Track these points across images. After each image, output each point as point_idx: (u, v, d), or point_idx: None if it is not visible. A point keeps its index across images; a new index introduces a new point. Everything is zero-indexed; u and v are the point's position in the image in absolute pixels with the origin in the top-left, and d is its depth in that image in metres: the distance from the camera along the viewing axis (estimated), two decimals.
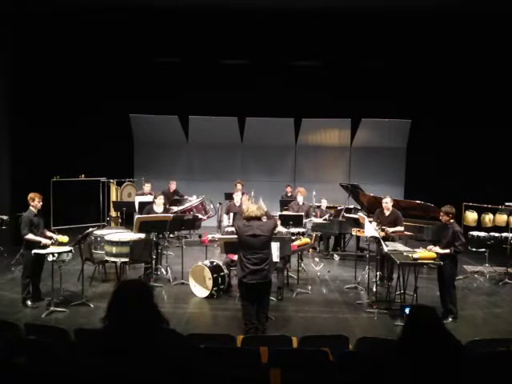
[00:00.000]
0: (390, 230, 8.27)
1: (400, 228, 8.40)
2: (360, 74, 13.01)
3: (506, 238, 9.35)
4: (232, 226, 9.07)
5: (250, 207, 6.37)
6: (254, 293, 6.25)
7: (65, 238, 7.36)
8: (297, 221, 9.24)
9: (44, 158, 11.84)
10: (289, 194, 12.29)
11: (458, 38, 11.57)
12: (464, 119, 12.47)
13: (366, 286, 8.24)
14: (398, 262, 6.87)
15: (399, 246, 7.61)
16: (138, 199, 10.98)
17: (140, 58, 12.67)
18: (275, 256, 7.01)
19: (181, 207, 10.90)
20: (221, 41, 12.14)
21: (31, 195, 7.25)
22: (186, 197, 11.88)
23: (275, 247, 6.86)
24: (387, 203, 8.46)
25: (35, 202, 7.21)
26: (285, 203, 11.45)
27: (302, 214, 9.80)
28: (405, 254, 6.99)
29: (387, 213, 8.48)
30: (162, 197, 9.31)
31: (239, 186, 11.12)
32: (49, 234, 7.44)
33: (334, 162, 14.78)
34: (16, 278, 8.36)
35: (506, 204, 9.77)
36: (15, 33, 11.18)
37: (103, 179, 12.76)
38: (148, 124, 14.07)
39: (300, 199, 10.45)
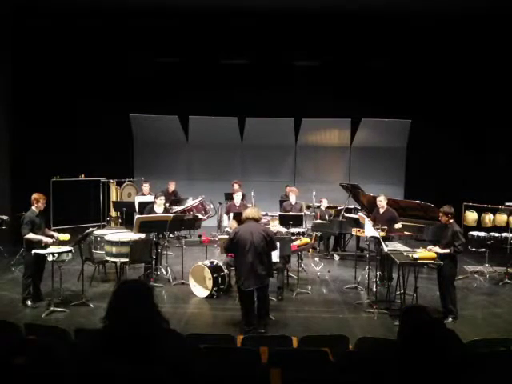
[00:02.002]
0: (398, 226, 8.32)
1: (399, 225, 8.43)
2: (360, 74, 13.01)
3: (506, 237, 9.35)
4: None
5: (249, 210, 6.54)
6: (253, 296, 6.33)
7: (66, 236, 7.35)
8: (297, 221, 9.24)
9: (44, 158, 11.84)
10: (287, 195, 12.27)
11: (457, 39, 11.59)
12: (464, 119, 12.47)
13: (366, 286, 8.24)
14: (398, 261, 6.88)
15: (399, 246, 7.61)
16: (138, 199, 10.98)
17: (140, 58, 12.68)
18: (275, 256, 7.03)
19: (181, 207, 10.90)
20: (221, 41, 12.14)
21: (36, 196, 7.21)
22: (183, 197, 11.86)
23: None
24: (381, 201, 8.60)
25: (39, 203, 7.19)
26: (283, 203, 11.43)
27: (302, 214, 9.81)
28: (405, 254, 7.00)
29: (382, 211, 8.61)
30: (163, 197, 9.31)
31: (236, 187, 11.17)
32: (50, 232, 7.44)
33: (333, 162, 14.78)
34: (16, 278, 8.35)
35: (506, 204, 9.77)
36: (15, 33, 11.18)
37: (103, 179, 12.75)
38: (148, 124, 14.07)
39: (292, 199, 10.44)
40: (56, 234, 7.35)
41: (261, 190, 12.28)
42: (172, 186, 11.95)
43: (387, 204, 8.75)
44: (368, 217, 8.71)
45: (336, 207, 11.62)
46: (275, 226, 8.30)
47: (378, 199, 8.69)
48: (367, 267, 8.29)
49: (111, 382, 2.39)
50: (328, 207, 11.51)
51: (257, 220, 6.36)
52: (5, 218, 10.00)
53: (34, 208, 7.18)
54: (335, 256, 10.86)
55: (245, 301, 6.33)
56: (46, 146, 11.85)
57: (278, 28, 11.86)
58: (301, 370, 3.71)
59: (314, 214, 11.09)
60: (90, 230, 8.00)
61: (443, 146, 12.94)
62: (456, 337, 2.95)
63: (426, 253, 6.90)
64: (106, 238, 8.02)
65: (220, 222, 11.85)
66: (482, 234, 9.58)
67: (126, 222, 10.64)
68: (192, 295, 7.92)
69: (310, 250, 10.51)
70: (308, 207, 11.59)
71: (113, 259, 7.89)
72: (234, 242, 6.21)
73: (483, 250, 9.44)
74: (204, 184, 13.63)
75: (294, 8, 11.45)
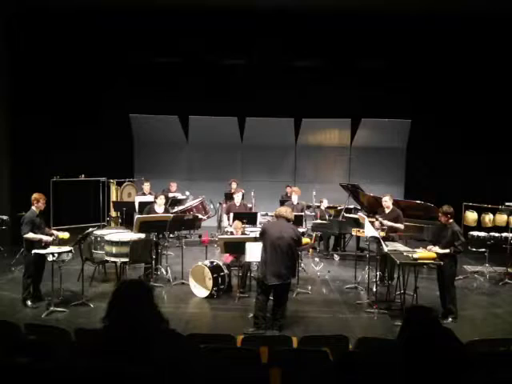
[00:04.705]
0: (386, 222, 8.25)
1: (400, 226, 8.40)
2: (360, 74, 13.00)
3: (506, 237, 9.35)
4: (231, 226, 9.11)
5: (283, 208, 6.73)
6: (269, 293, 6.48)
7: (66, 235, 7.36)
8: (297, 221, 9.22)
9: (44, 158, 11.83)
10: (289, 195, 12.28)
11: (457, 38, 11.59)
12: (464, 119, 12.46)
13: (366, 286, 8.24)
14: (397, 261, 6.88)
15: (399, 246, 7.61)
16: (138, 199, 10.98)
17: (140, 58, 12.67)
18: None
19: (181, 207, 10.91)
20: (221, 41, 12.14)
21: (36, 196, 7.21)
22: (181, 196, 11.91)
23: None
24: (386, 201, 8.56)
25: (40, 203, 7.19)
26: (284, 203, 11.45)
27: (302, 214, 9.81)
28: (405, 254, 6.99)
29: (387, 211, 8.58)
30: (162, 196, 9.29)
31: (234, 185, 11.23)
32: (50, 231, 7.44)
33: (333, 162, 14.78)
34: (16, 278, 8.35)
35: (506, 204, 9.77)
36: (15, 33, 11.18)
37: (103, 179, 12.75)
38: (148, 124, 14.06)
39: (295, 199, 10.45)
40: (56, 233, 7.36)
41: (261, 189, 12.27)
42: (173, 188, 11.96)
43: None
44: (368, 217, 8.71)
45: (336, 207, 11.62)
46: None
47: (383, 200, 8.65)
48: (367, 267, 8.29)
49: (111, 381, 2.39)
50: (328, 207, 11.52)
51: (288, 220, 6.48)
52: (5, 218, 10.00)
53: (34, 208, 7.18)
54: (335, 256, 10.86)
55: (263, 294, 6.44)
56: (46, 146, 11.84)
57: (277, 28, 11.85)
58: (301, 369, 3.71)
59: (314, 213, 11.09)
60: (90, 229, 8.00)
61: (443, 146, 12.93)
62: (454, 336, 2.94)
63: (426, 253, 6.90)
64: (106, 238, 8.02)
65: (220, 221, 11.85)
66: (482, 234, 9.58)
67: (126, 222, 10.64)
68: (192, 295, 7.92)
69: (310, 250, 10.51)
70: (308, 207, 11.60)
71: (113, 259, 7.89)
72: (264, 237, 6.37)
73: (483, 249, 9.44)
74: (204, 184, 13.63)
75: (294, 8, 11.45)
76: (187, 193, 11.84)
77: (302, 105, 13.25)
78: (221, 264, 8.02)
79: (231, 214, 9.66)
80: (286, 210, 6.59)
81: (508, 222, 9.44)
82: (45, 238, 7.10)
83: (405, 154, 14.45)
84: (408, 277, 7.35)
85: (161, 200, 9.13)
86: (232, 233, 8.67)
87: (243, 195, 10.54)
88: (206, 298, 7.79)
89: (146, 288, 2.64)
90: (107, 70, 12.57)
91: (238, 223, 8.59)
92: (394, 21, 11.62)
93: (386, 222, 8.27)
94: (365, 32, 11.83)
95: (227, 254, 8.26)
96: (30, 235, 7.03)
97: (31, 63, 11.51)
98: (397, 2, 11.11)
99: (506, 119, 12.04)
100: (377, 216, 8.56)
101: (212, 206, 11.40)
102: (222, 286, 7.89)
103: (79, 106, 12.48)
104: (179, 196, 11.72)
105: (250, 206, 10.51)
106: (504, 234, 9.45)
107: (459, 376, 2.72)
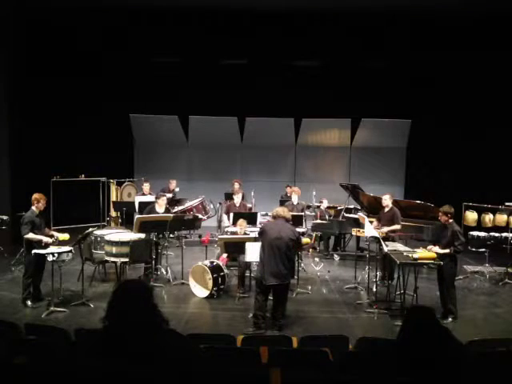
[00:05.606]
0: (386, 229, 8.32)
1: (397, 226, 8.43)
2: (360, 74, 13.00)
3: (506, 237, 9.36)
4: (232, 226, 9.11)
5: (280, 208, 6.74)
6: (268, 293, 6.51)
7: (66, 236, 7.36)
8: (297, 221, 9.24)
9: (44, 158, 11.83)
10: (288, 195, 12.27)
11: (458, 38, 11.59)
12: (464, 119, 12.47)
13: (366, 286, 8.24)
14: (397, 261, 6.88)
15: (399, 246, 7.62)
16: (138, 199, 10.99)
17: (140, 58, 12.67)
18: None
19: (181, 207, 10.91)
20: (220, 41, 12.14)
21: (36, 196, 7.21)
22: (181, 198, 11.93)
23: None
24: (386, 200, 8.63)
25: (40, 203, 7.19)
26: (284, 203, 11.45)
27: (302, 214, 9.81)
28: (405, 254, 7.00)
29: (386, 210, 8.64)
30: (165, 198, 9.26)
31: (236, 185, 11.21)
32: (50, 232, 7.44)
33: (333, 161, 14.78)
34: (16, 278, 8.35)
35: (506, 204, 9.77)
36: (15, 33, 11.18)
37: (103, 179, 12.75)
38: (148, 124, 14.07)
39: (295, 199, 10.46)
40: (56, 234, 7.36)
41: (261, 189, 12.29)
42: (173, 185, 11.97)
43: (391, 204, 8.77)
44: (368, 217, 8.73)
45: (336, 207, 11.62)
46: None
47: (383, 198, 8.72)
48: (367, 267, 8.29)
49: (111, 382, 2.39)
50: (328, 207, 11.52)
51: (287, 220, 6.50)
52: (5, 218, 10.00)
53: (34, 208, 7.18)
54: (335, 256, 10.86)
55: (262, 293, 6.46)
56: (46, 146, 11.84)
57: (277, 28, 11.85)
58: (301, 369, 3.71)
59: (314, 213, 11.09)
60: (90, 229, 8.00)
61: (443, 146, 12.93)
62: (453, 336, 2.95)
63: (426, 253, 6.90)
64: (106, 238, 8.02)
65: (220, 221, 11.85)
66: (482, 234, 9.58)
67: (126, 222, 10.65)
68: (192, 295, 7.92)
69: (310, 249, 10.52)
70: (308, 207, 11.61)
71: (113, 259, 7.89)
72: (262, 236, 6.40)
73: (483, 249, 9.45)
74: (204, 184, 13.63)
75: (294, 8, 11.45)
76: (177, 189, 11.92)
77: (301, 105, 13.24)
78: (221, 264, 8.02)
79: (231, 214, 9.66)
80: (283, 210, 6.60)
81: (508, 222, 9.44)
82: (45, 239, 7.10)
83: (405, 154, 14.46)
84: (408, 277, 7.35)
85: (162, 201, 9.08)
86: (233, 233, 8.67)
87: (243, 196, 10.55)
88: (206, 298, 7.79)
89: (145, 288, 2.64)
90: (107, 69, 12.57)
91: (242, 221, 8.61)
92: (393, 21, 11.63)
93: (384, 230, 8.32)
94: (365, 32, 11.83)
95: (223, 256, 8.28)
96: (30, 235, 7.03)
97: (31, 63, 11.51)
98: (397, 2, 11.11)
99: (505, 119, 12.04)
100: (376, 226, 8.59)
101: (212, 206, 11.40)
102: (221, 286, 7.89)
103: (79, 105, 12.47)
104: (177, 189, 11.82)
105: (249, 206, 10.51)
106: (504, 234, 9.46)
107: (458, 375, 2.73)
